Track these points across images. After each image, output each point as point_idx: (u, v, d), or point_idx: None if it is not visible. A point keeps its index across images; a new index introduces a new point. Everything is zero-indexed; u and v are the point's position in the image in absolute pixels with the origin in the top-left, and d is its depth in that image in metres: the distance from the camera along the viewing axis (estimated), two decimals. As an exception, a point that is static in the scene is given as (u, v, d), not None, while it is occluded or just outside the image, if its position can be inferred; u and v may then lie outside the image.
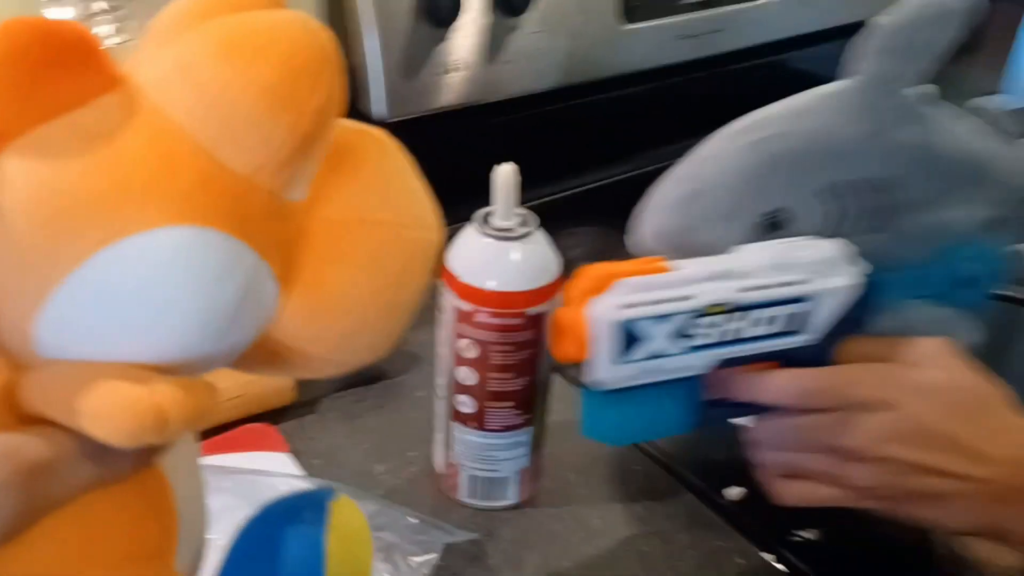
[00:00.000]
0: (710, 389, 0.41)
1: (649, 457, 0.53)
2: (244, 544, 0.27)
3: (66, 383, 0.22)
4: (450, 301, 0.44)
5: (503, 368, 0.44)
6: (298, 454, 0.51)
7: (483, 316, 0.43)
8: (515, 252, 0.42)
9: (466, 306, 0.43)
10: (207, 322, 0.23)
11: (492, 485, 0.48)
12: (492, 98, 0.73)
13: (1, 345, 0.24)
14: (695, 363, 0.40)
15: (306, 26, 0.23)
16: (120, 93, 0.23)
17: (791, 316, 0.40)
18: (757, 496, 0.44)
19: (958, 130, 0.44)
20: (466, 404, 0.46)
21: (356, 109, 0.70)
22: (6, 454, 0.22)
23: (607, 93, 0.82)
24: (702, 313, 0.38)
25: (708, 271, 0.39)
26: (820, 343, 0.41)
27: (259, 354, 0.26)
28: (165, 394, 0.22)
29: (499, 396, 0.45)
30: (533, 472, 0.49)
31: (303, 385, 0.55)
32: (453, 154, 0.75)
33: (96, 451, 0.23)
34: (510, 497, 0.49)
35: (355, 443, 0.53)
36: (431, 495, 0.50)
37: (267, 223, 0.24)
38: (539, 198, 0.81)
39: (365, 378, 0.57)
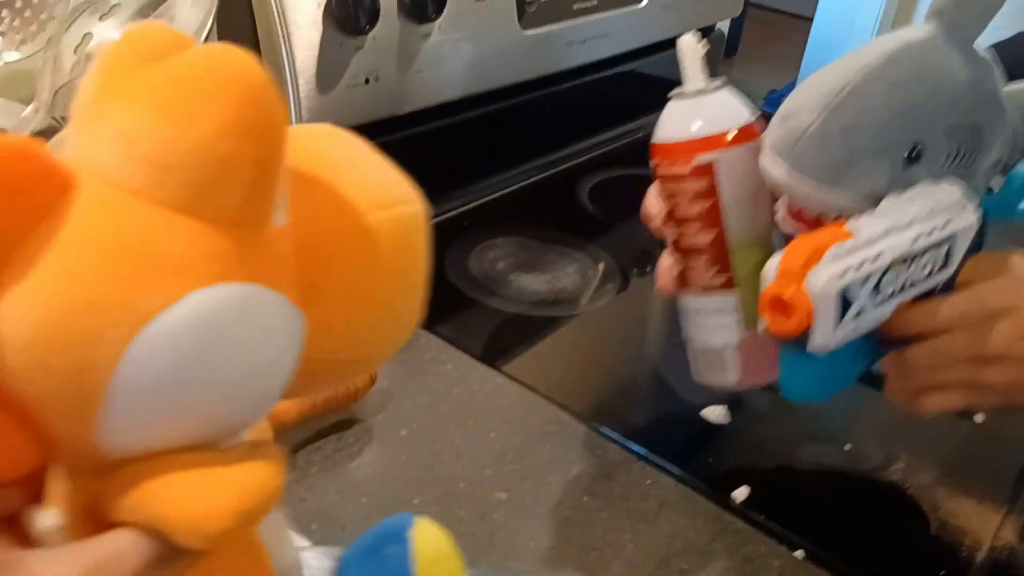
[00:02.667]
0: (888, 332, 0.45)
1: (657, 468, 0.52)
2: None
3: (143, 491, 0.23)
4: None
5: (684, 220, 0.47)
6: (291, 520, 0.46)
7: (660, 168, 0.47)
8: (683, 107, 0.46)
9: (653, 162, 0.47)
10: (257, 375, 0.24)
11: (708, 358, 0.49)
12: (405, 110, 0.71)
13: (72, 457, 0.24)
14: (883, 314, 0.44)
15: (226, 57, 0.22)
16: (73, 190, 0.22)
17: (944, 255, 0.44)
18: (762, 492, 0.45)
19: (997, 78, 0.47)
20: (673, 258, 0.49)
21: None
22: (115, 558, 0.23)
23: (507, 101, 0.83)
24: (888, 268, 0.42)
25: (882, 228, 0.42)
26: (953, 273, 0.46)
27: (296, 379, 0.26)
28: (241, 491, 0.23)
29: (690, 251, 0.47)
30: (749, 352, 0.48)
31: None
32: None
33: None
34: (731, 376, 0.49)
35: (350, 500, 0.47)
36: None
37: (266, 257, 0.24)
38: (450, 211, 0.80)
39: (337, 424, 0.52)
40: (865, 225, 0.42)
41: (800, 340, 0.42)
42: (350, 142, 0.28)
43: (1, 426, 0.22)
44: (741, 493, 0.50)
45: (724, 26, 1.24)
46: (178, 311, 0.22)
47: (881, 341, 0.46)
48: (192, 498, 0.22)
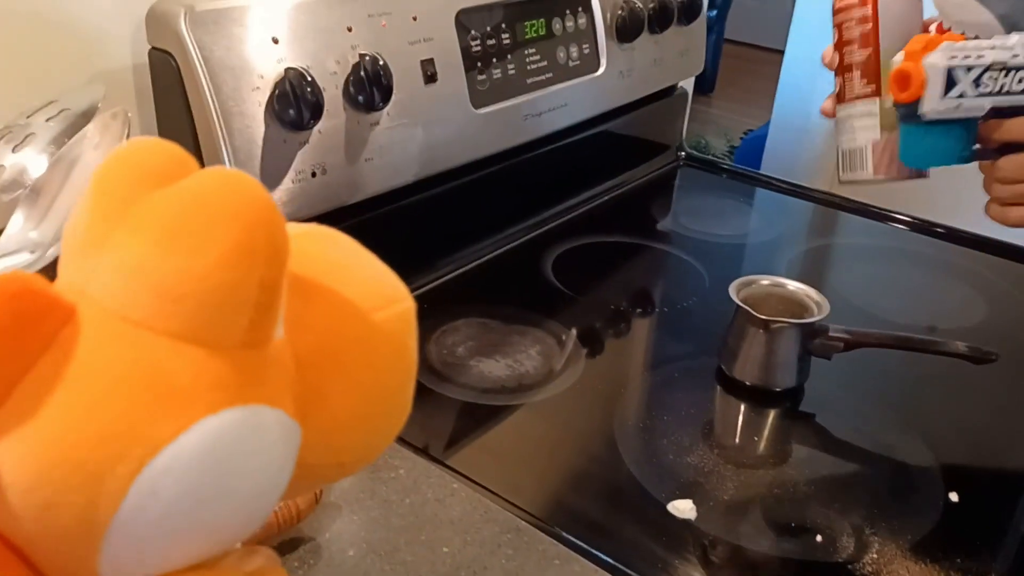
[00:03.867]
0: (987, 136, 0.58)
1: None
2: None
3: None
4: None
5: (848, 42, 0.62)
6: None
7: (837, 3, 0.63)
8: None
9: (833, 7, 0.64)
10: (259, 493, 0.24)
11: (853, 156, 0.63)
12: (356, 199, 0.70)
13: None
14: (981, 105, 0.55)
15: (229, 182, 0.22)
16: (75, 322, 0.22)
17: None
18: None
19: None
20: (835, 84, 0.64)
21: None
22: None
23: (463, 179, 0.82)
24: (988, 68, 0.54)
25: (988, 44, 0.55)
26: None
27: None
28: None
29: (849, 67, 0.62)
30: (883, 150, 0.61)
31: None
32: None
33: None
34: (868, 169, 0.62)
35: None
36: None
37: (267, 375, 0.23)
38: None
39: (283, 544, 0.49)
40: (976, 40, 0.56)
41: (914, 112, 0.55)
42: (340, 242, 0.29)
43: (1, 562, 0.22)
44: (706, 601, 0.48)
45: (688, 84, 1.24)
46: (184, 442, 0.21)
47: (981, 150, 0.59)
48: None
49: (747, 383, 0.68)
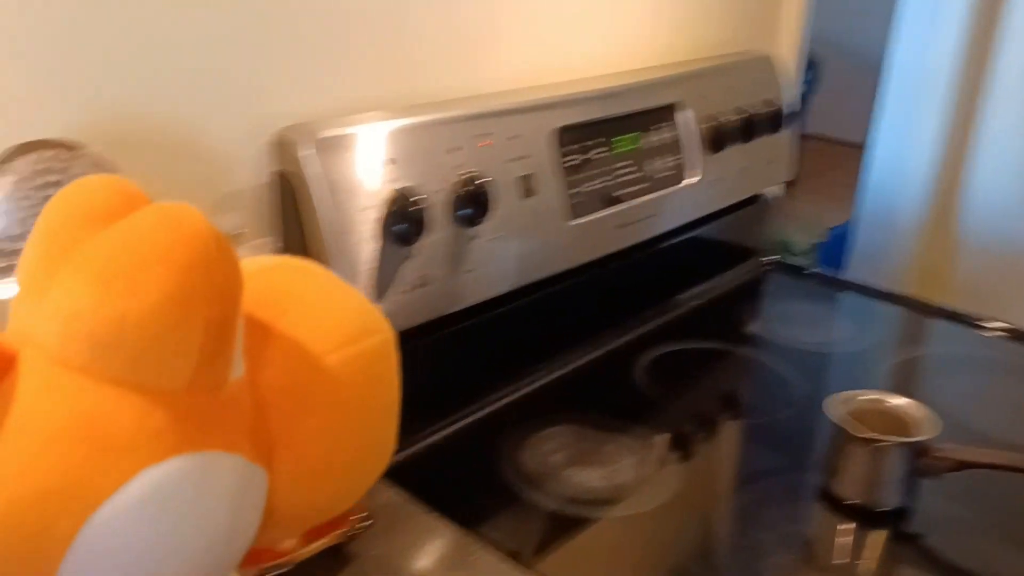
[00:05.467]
0: None
1: None
2: None
3: None
4: None
5: None
6: None
7: None
8: None
9: None
10: (214, 541, 0.22)
11: None
12: (456, 308, 0.72)
13: None
14: None
15: (169, 220, 0.21)
16: (16, 368, 0.21)
17: None
18: None
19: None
20: None
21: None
22: None
23: (557, 286, 0.84)
24: None
25: None
26: None
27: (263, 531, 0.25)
28: None
29: None
30: None
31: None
32: (422, 365, 0.74)
33: None
34: None
35: None
36: None
37: (221, 419, 0.22)
38: (504, 399, 0.80)
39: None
40: None
41: None
42: (312, 274, 0.27)
43: None
44: None
45: (774, 190, 1.25)
46: (127, 493, 0.20)
47: None
48: None
49: (850, 501, 0.66)
